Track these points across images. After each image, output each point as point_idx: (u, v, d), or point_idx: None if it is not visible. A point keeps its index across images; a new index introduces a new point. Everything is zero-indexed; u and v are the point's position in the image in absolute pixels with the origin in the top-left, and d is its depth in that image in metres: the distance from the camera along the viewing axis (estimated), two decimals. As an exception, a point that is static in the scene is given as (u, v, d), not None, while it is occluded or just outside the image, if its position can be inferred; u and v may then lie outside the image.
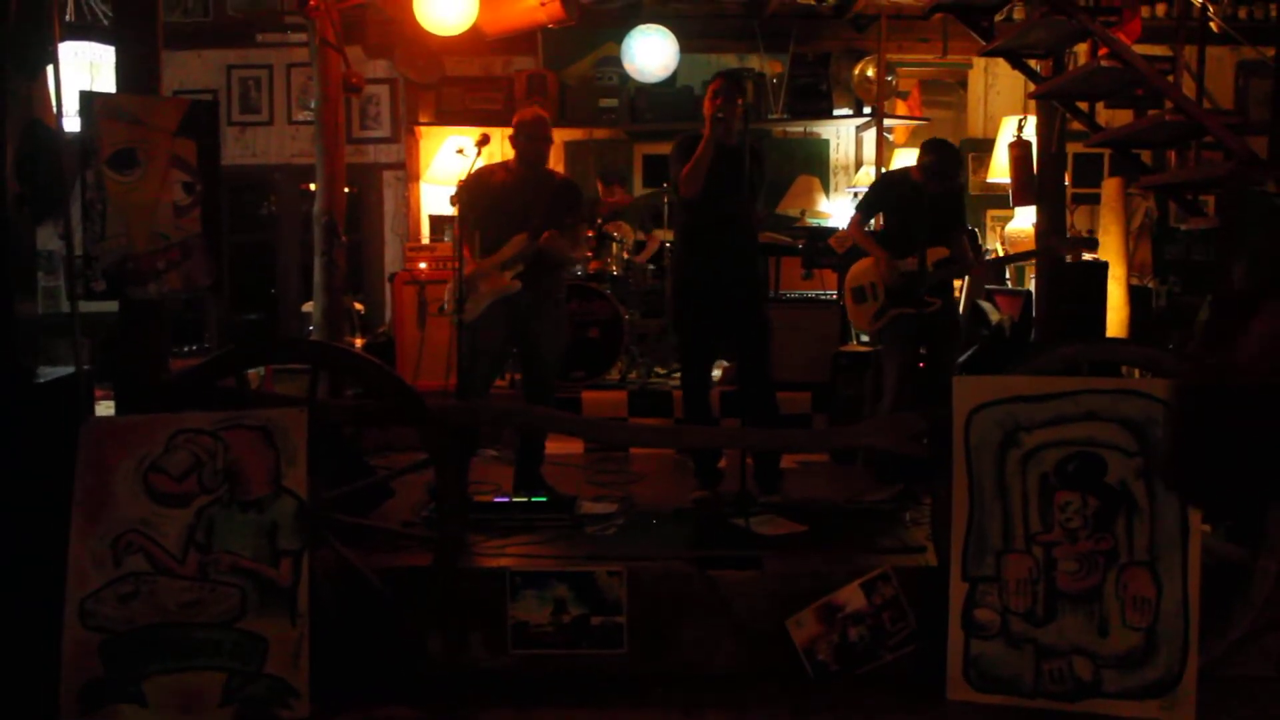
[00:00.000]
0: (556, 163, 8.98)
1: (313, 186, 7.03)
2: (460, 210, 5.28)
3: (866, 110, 9.08)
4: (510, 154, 5.54)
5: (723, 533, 4.83)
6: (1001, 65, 7.48)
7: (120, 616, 3.81)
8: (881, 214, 6.03)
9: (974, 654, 3.92)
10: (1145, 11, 8.33)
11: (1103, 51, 5.26)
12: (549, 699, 3.98)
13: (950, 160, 5.64)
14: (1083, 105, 6.02)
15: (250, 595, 3.85)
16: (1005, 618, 3.90)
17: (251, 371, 5.92)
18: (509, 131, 5.53)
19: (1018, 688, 3.87)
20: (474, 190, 5.31)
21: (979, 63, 9.35)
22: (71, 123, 4.30)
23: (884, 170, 8.29)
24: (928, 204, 5.60)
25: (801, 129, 9.49)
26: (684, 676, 4.13)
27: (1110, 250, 6.78)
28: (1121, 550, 3.85)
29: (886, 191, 5.89)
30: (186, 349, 8.04)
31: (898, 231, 5.76)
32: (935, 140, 5.81)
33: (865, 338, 7.32)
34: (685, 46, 8.76)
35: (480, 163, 5.37)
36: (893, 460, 5.37)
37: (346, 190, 7.48)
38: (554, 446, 5.84)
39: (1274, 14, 8.59)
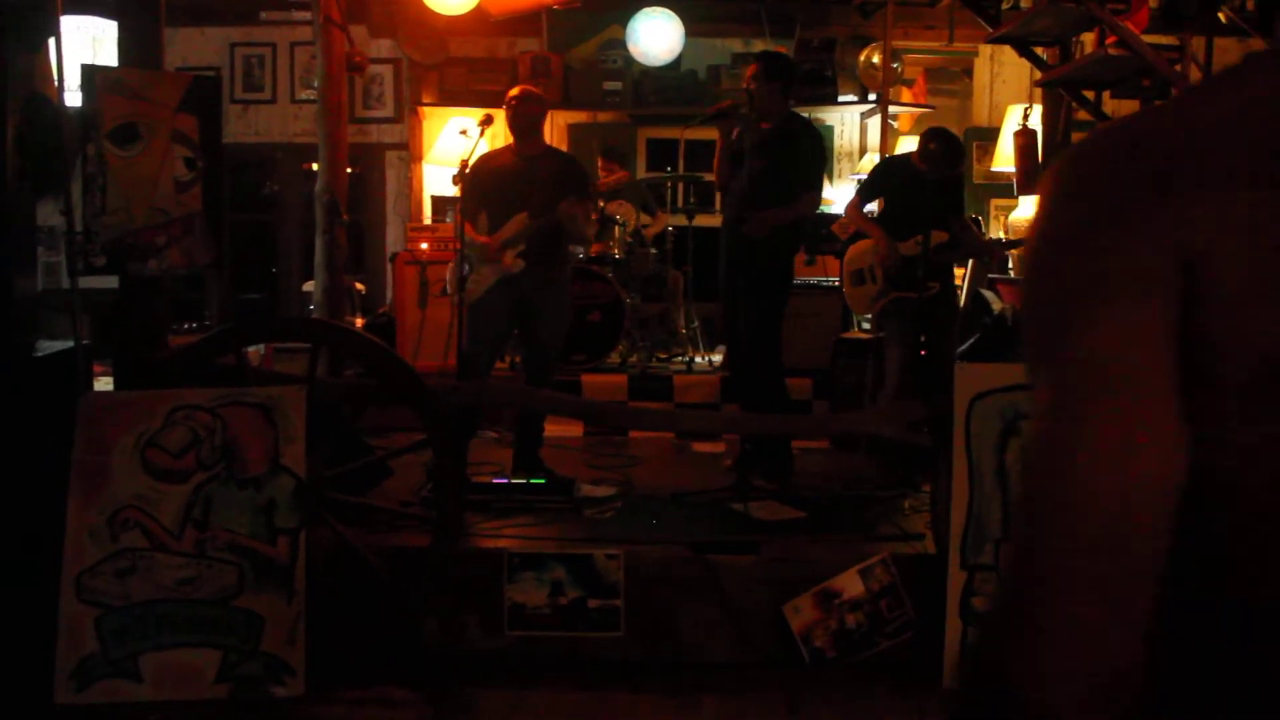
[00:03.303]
0: (559, 144, 8.95)
1: (314, 166, 7.02)
2: (463, 191, 5.27)
3: (871, 97, 9.04)
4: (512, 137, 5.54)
5: (721, 518, 4.83)
6: (1007, 53, 7.46)
7: (116, 592, 3.80)
8: (881, 198, 6.03)
9: (971, 642, 3.91)
10: (1152, 1, 8.30)
11: (1110, 40, 5.24)
12: (545, 681, 3.98)
13: (952, 148, 5.65)
14: (1089, 94, 6.00)
15: (247, 572, 3.84)
16: (1003, 606, 3.89)
17: (251, 350, 5.91)
18: (510, 113, 5.53)
19: (1014, 676, 3.86)
20: (479, 172, 5.30)
21: (984, 50, 9.31)
22: (73, 97, 4.28)
23: (886, 156, 8.27)
24: (927, 190, 5.59)
25: (806, 115, 9.43)
26: (680, 661, 4.13)
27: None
28: (1120, 540, 3.83)
29: (887, 176, 5.90)
30: (187, 326, 8.02)
31: (897, 216, 5.76)
32: (937, 128, 5.82)
33: (866, 324, 7.31)
34: (690, 30, 8.73)
35: (484, 144, 5.37)
36: (894, 447, 5.37)
37: (349, 170, 7.45)
38: (553, 429, 5.83)
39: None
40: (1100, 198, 0.85)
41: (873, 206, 6.16)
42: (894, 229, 5.71)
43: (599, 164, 8.18)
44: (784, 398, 5.57)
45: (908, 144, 8.85)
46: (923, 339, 5.73)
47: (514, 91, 5.48)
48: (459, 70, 9.14)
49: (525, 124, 5.37)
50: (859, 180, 9.08)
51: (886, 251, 5.66)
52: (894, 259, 5.63)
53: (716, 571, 4.20)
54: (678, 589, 4.20)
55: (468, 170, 5.26)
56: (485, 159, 5.40)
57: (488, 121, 5.35)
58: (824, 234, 7.67)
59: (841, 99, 9.24)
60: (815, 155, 5.44)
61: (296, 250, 9.53)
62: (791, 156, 5.27)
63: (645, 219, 8.30)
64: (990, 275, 7.83)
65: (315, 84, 7.14)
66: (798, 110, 9.07)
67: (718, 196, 6.39)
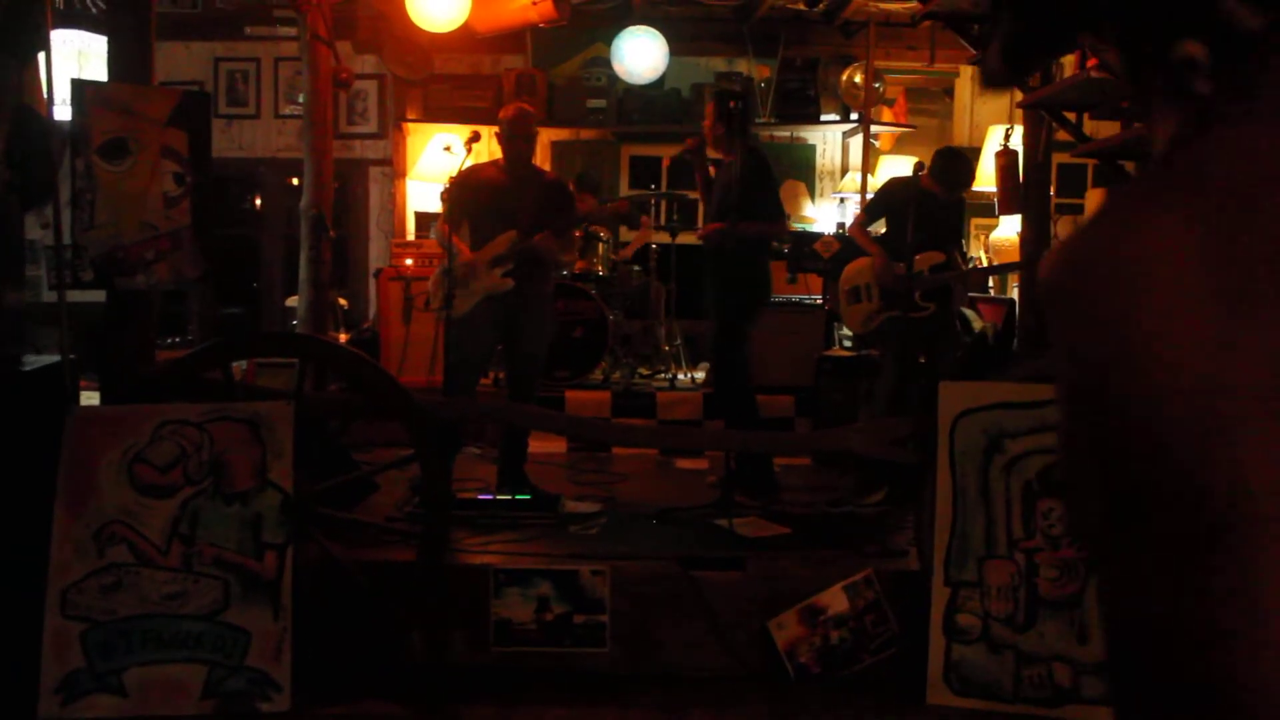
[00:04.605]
0: (543, 162, 8.98)
1: (295, 181, 7.01)
2: (447, 206, 5.29)
3: (853, 116, 9.11)
4: (499, 153, 5.56)
5: (706, 534, 4.84)
6: (989, 74, 7.50)
7: (102, 607, 3.79)
8: (885, 218, 6.09)
9: (955, 658, 3.94)
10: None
11: (1092, 62, 5.29)
12: (531, 697, 3.99)
13: (962, 169, 5.74)
14: (1070, 115, 6.05)
15: (233, 588, 3.84)
16: (986, 623, 3.93)
17: (234, 365, 5.90)
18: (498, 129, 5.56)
19: (998, 693, 3.90)
20: (463, 187, 5.32)
21: (965, 71, 9.39)
22: (62, 111, 4.28)
23: (891, 176, 8.33)
24: (932, 210, 5.65)
25: (788, 134, 9.51)
26: (666, 676, 4.14)
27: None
28: (1103, 557, 3.87)
29: (893, 197, 5.95)
30: (169, 341, 8.00)
31: (898, 236, 5.81)
32: (949, 148, 5.92)
33: (849, 342, 7.35)
34: (674, 49, 8.78)
35: (470, 161, 5.39)
36: (877, 464, 5.41)
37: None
38: (536, 445, 5.84)
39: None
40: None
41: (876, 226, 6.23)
42: (893, 249, 5.77)
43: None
44: (752, 411, 5.64)
45: (888, 163, 8.93)
46: (922, 360, 5.80)
47: (508, 111, 5.49)
48: (443, 87, 9.15)
49: (519, 144, 5.38)
50: (841, 199, 9.16)
51: (883, 270, 5.71)
52: (890, 278, 5.68)
53: (701, 587, 4.22)
54: (663, 605, 4.22)
55: (454, 180, 5.28)
56: (472, 171, 5.42)
57: (475, 139, 5.37)
58: (806, 252, 7.72)
59: (824, 118, 9.31)
60: (763, 183, 5.62)
61: (278, 265, 9.52)
62: (744, 186, 5.47)
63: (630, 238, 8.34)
64: (971, 294, 7.89)
65: (300, 99, 7.15)
66: (774, 127, 9.23)
67: (700, 215, 6.54)
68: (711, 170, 5.94)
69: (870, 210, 6.08)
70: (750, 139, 5.78)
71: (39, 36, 4.12)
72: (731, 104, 5.42)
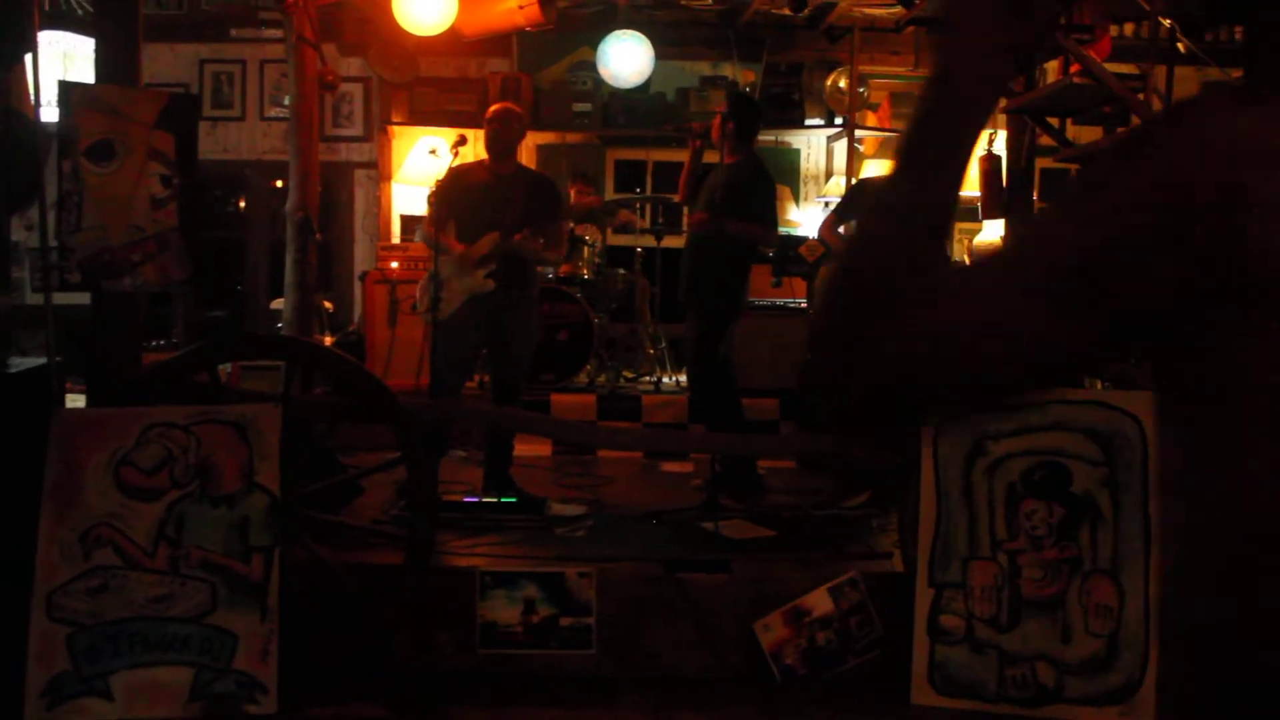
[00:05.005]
0: (528, 165, 8.98)
1: (279, 183, 6.99)
2: (433, 207, 5.30)
3: (838, 121, 9.15)
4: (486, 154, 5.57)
5: (691, 536, 4.86)
6: (972, 79, 7.54)
7: (88, 610, 3.78)
8: (856, 219, 6.13)
9: (939, 659, 3.96)
10: (1114, 30, 8.45)
11: (1074, 68, 5.34)
12: (517, 699, 4.00)
13: None
14: (1053, 120, 6.10)
15: (220, 590, 3.84)
16: (970, 624, 3.96)
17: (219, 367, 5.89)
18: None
19: (981, 693, 3.92)
20: (450, 187, 5.33)
21: (949, 76, 9.42)
22: (48, 113, 4.28)
23: (860, 178, 8.36)
24: None
25: (773, 138, 9.53)
26: (652, 678, 4.16)
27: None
28: (1085, 559, 3.91)
29: (862, 197, 5.99)
30: (154, 344, 7.98)
31: None
32: None
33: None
34: (660, 53, 8.79)
35: (456, 164, 5.40)
36: (861, 467, 5.44)
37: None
38: (521, 448, 5.85)
39: (1238, 36, 8.73)
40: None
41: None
42: None
43: (574, 186, 8.23)
44: (738, 413, 5.66)
45: (873, 167, 8.97)
46: None
47: (495, 109, 5.51)
48: (429, 90, 9.15)
49: (504, 143, 5.40)
50: (826, 204, 9.19)
51: None
52: None
53: (687, 589, 4.23)
54: (649, 607, 4.23)
55: (440, 180, 5.30)
56: (458, 172, 5.43)
57: (461, 142, 5.39)
58: (791, 255, 7.75)
59: (808, 122, 9.35)
60: (756, 189, 5.67)
61: (263, 268, 9.50)
62: (735, 190, 5.54)
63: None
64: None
65: (286, 102, 7.14)
66: (764, 138, 9.26)
67: (685, 216, 6.56)
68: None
69: (839, 211, 6.11)
70: (752, 146, 5.82)
71: (26, 39, 4.11)
72: (697, 125, 5.62)
